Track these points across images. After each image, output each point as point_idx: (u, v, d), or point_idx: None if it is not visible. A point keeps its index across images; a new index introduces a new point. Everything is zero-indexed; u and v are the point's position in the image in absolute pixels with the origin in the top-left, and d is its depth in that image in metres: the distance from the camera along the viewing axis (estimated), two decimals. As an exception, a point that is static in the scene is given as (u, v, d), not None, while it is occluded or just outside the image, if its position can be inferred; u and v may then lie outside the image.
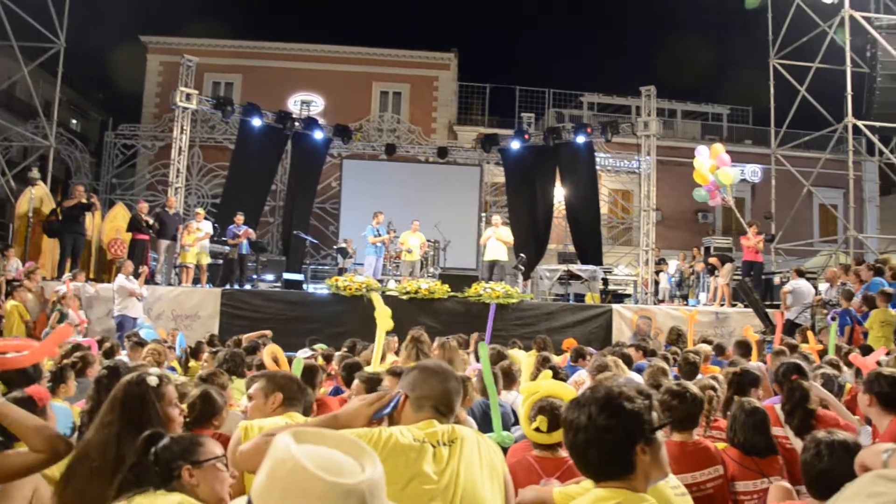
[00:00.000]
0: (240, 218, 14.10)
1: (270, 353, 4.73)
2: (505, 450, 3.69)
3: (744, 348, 7.28)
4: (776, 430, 3.72)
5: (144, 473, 2.12)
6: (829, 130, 17.69)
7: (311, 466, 1.11)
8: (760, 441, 3.41)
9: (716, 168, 13.63)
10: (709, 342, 9.07)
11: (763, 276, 14.60)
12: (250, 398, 3.12)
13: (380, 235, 14.30)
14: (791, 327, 11.33)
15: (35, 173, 14.23)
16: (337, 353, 7.07)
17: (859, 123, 16.33)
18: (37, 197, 13.88)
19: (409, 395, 2.19)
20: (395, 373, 3.35)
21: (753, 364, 5.81)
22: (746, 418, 3.45)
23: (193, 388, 3.74)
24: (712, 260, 14.11)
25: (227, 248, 13.95)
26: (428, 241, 15.00)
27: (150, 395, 2.54)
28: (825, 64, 17.46)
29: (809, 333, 8.43)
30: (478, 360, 7.11)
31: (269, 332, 8.27)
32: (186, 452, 2.16)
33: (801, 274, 12.54)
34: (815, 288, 12.79)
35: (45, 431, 2.44)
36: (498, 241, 14.12)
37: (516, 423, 4.25)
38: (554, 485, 2.71)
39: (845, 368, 5.99)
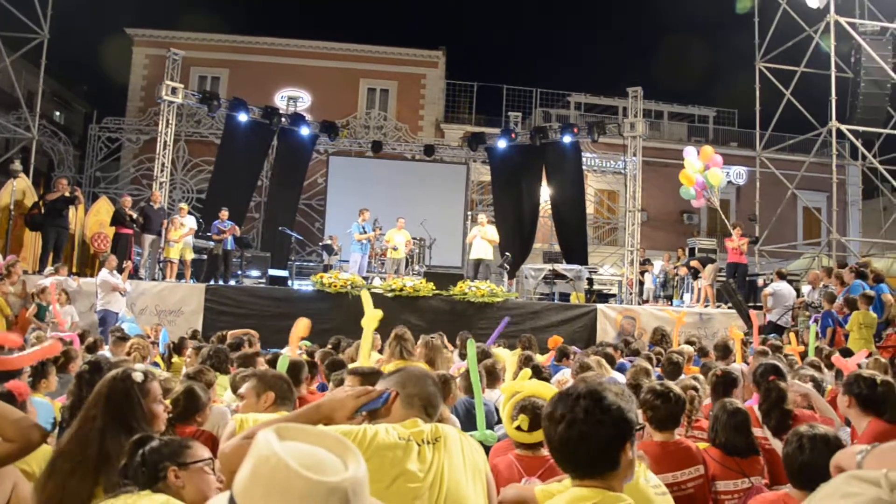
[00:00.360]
0: (224, 213, 14.04)
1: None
2: (487, 448, 3.71)
3: (723, 351, 7.29)
4: (755, 431, 3.75)
5: (132, 475, 2.12)
6: (814, 134, 17.86)
7: (293, 464, 1.10)
8: (741, 441, 3.43)
9: (705, 169, 13.74)
10: (692, 343, 9.12)
11: (747, 278, 14.71)
12: (241, 397, 3.15)
13: (365, 232, 14.28)
14: (773, 329, 11.43)
15: (17, 165, 14.06)
16: (320, 350, 7.05)
17: (843, 127, 16.48)
18: (18, 189, 13.73)
19: (400, 392, 2.18)
20: (358, 373, 3.35)
21: (735, 366, 5.84)
22: (728, 419, 3.47)
23: (177, 384, 3.73)
24: (694, 263, 14.21)
25: (212, 243, 13.89)
26: (414, 238, 15.00)
27: (135, 391, 2.52)
28: (811, 68, 17.63)
29: (792, 335, 8.51)
30: (462, 358, 7.14)
31: (254, 332, 8.21)
32: (174, 454, 2.16)
33: (782, 276, 12.65)
34: (798, 290, 12.91)
35: (21, 422, 2.41)
36: (483, 239, 14.16)
37: (500, 421, 4.26)
38: (535, 483, 2.72)
39: (826, 370, 6.04)
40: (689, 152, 14.27)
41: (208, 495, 2.15)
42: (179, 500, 2.09)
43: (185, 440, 2.30)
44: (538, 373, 4.94)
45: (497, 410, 4.55)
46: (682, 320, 10.38)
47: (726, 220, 15.48)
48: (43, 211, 12.81)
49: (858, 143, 17.34)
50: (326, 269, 14.47)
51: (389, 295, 12.41)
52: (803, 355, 7.19)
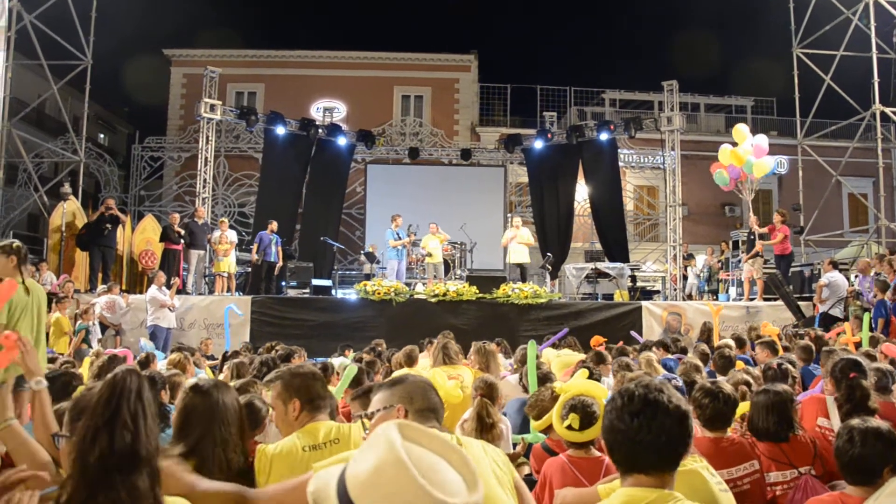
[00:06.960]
0: (274, 225, 14.17)
1: None
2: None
3: (771, 349, 7.03)
4: (822, 421, 3.67)
5: None
6: (857, 119, 17.45)
7: (419, 477, 1.09)
8: (773, 425, 3.38)
9: (750, 154, 12.99)
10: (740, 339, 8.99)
11: (791, 268, 14.28)
12: (272, 407, 2.89)
13: (400, 238, 14.23)
14: (825, 320, 11.17)
15: (67, 188, 14.50)
16: (365, 358, 7.09)
17: (887, 110, 16.09)
18: (69, 211, 14.15)
19: (409, 408, 2.16)
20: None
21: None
22: (767, 399, 3.42)
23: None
24: (760, 242, 13.32)
25: (255, 255, 14.06)
26: (454, 243, 14.99)
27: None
28: (849, 51, 17.22)
29: (847, 325, 8.31)
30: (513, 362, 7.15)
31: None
32: None
33: (835, 266, 12.31)
34: (847, 279, 12.58)
35: (40, 460, 2.30)
36: (519, 243, 14.10)
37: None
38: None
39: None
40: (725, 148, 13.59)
41: None
42: None
43: None
44: (590, 374, 4.90)
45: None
46: (720, 311, 10.22)
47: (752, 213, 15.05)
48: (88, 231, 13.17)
49: (904, 126, 16.92)
50: (368, 277, 14.54)
51: (433, 300, 12.46)
52: (857, 346, 7.04)
